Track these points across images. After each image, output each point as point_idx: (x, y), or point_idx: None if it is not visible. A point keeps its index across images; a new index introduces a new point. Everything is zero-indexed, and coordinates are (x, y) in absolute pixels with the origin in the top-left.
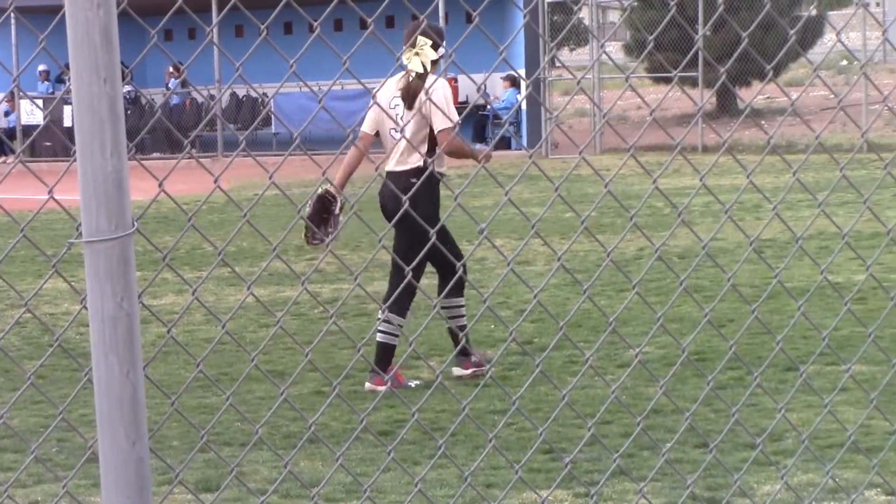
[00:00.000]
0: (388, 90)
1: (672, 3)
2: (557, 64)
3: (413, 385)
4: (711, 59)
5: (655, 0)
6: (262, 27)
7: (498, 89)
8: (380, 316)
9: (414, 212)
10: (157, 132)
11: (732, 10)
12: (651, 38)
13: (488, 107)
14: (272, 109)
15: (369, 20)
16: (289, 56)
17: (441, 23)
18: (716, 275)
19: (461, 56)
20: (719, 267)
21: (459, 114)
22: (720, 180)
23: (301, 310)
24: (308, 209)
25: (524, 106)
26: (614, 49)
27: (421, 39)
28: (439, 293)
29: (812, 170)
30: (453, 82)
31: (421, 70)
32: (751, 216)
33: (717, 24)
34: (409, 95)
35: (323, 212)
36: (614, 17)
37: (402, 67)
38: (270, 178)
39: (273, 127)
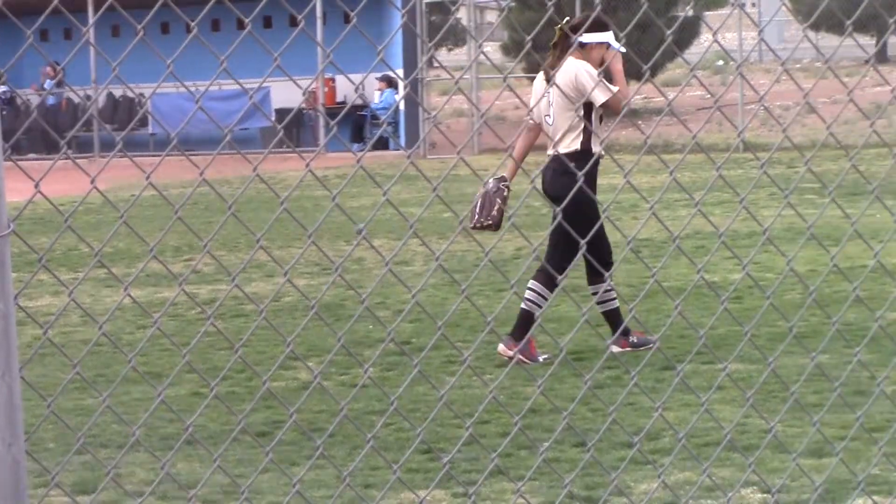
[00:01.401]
0: (540, 79)
1: (549, 4)
2: (435, 64)
3: (542, 360)
4: None
5: (533, 0)
6: (139, 27)
7: (373, 93)
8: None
9: (578, 192)
10: (34, 133)
11: (609, 10)
12: (529, 38)
13: (366, 107)
14: (149, 110)
15: (247, 20)
16: (166, 56)
17: (318, 23)
18: None
19: (339, 56)
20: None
21: (336, 115)
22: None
23: (178, 311)
24: (482, 194)
25: (402, 106)
26: (492, 49)
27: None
28: (588, 276)
29: (689, 169)
30: (331, 83)
31: (552, 47)
32: (628, 216)
33: None
34: (548, 74)
35: (495, 197)
36: (492, 17)
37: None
38: (147, 178)
39: (150, 127)
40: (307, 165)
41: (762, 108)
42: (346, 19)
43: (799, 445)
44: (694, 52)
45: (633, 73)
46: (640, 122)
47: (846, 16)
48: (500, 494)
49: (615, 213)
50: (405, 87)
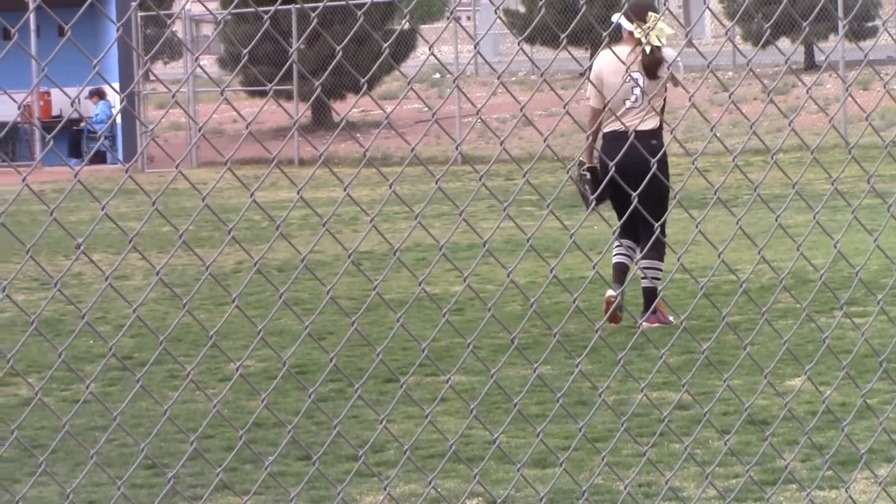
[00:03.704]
0: (614, 64)
1: (266, 17)
2: (152, 77)
3: (671, 321)
4: (306, 72)
5: (249, 14)
6: None
7: (89, 108)
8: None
9: (663, 170)
10: None
11: (326, 23)
12: (245, 51)
13: (83, 123)
14: None
15: None
16: None
17: (32, 36)
18: (315, 287)
19: (54, 70)
20: (318, 279)
21: (52, 129)
22: (317, 193)
23: None
24: (581, 183)
25: (119, 120)
26: (209, 62)
27: (652, 15)
28: (642, 250)
29: (408, 182)
30: (46, 96)
31: (659, 44)
32: (348, 228)
33: (311, 38)
34: (652, 67)
35: (584, 182)
36: (208, 30)
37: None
38: None
39: None
40: (23, 180)
41: (479, 120)
42: (61, 32)
43: (523, 456)
44: (411, 65)
45: (350, 86)
46: (358, 134)
47: (561, 30)
48: None
49: (336, 225)
50: (122, 101)
